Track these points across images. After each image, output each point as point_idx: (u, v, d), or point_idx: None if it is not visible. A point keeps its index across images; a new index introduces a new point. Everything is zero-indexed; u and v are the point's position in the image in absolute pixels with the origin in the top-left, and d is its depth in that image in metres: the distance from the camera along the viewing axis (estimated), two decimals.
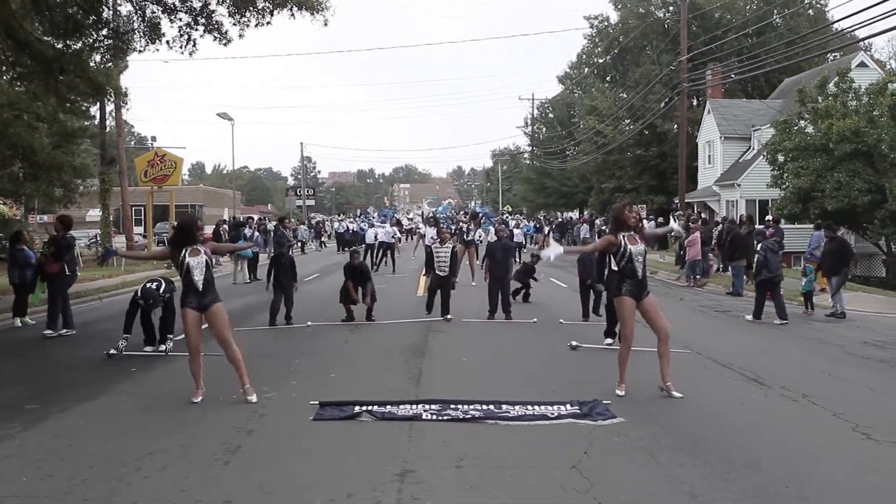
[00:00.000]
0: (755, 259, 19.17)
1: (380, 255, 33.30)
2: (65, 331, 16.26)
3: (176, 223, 10.97)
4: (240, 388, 9.95)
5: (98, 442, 8.23)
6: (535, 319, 17.45)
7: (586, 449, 7.80)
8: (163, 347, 13.94)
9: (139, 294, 13.95)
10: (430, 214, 44.34)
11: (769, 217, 31.61)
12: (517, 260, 24.43)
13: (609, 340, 14.28)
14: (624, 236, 10.24)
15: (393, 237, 34.31)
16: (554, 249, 10.39)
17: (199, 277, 9.86)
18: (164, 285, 14.05)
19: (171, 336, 13.95)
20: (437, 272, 18.09)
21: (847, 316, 18.92)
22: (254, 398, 9.81)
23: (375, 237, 34.07)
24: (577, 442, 8.05)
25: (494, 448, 7.88)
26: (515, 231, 38.85)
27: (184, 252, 9.93)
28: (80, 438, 8.39)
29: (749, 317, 18.15)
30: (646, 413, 9.24)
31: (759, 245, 19.02)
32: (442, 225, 27.34)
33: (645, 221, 45.92)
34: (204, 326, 10.03)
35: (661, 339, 10.20)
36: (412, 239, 47.80)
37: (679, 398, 9.89)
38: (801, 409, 9.65)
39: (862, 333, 16.54)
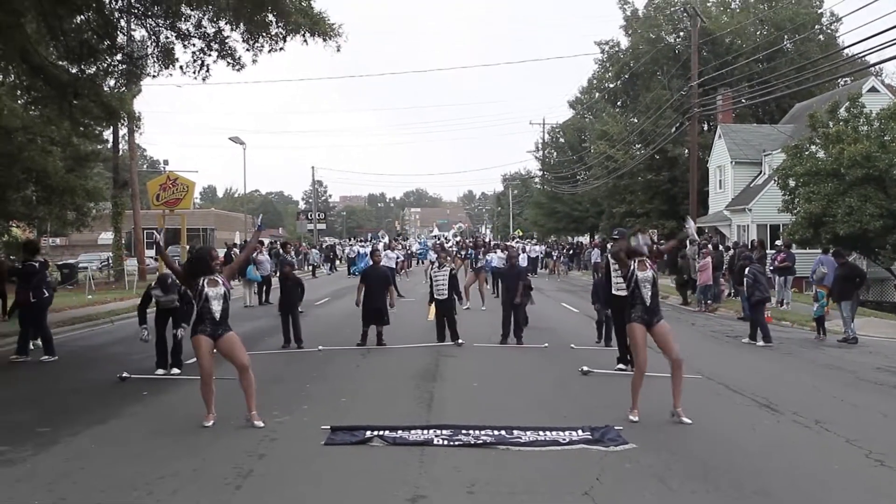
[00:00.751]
0: (744, 282, 19.15)
1: None
2: (14, 356, 16.23)
3: (189, 255, 11.02)
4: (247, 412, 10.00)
5: (109, 465, 8.24)
6: (547, 344, 17.40)
7: (598, 475, 7.78)
8: (175, 371, 14.02)
9: (154, 284, 14.15)
10: (438, 240, 44.45)
11: (779, 242, 31.55)
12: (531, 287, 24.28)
13: (622, 366, 14.23)
14: (635, 261, 10.26)
15: (396, 262, 34.17)
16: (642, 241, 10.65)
17: (217, 308, 9.91)
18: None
19: (185, 325, 13.95)
20: (436, 297, 18.06)
21: (859, 341, 18.87)
22: (260, 423, 9.83)
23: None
24: (589, 468, 8.03)
25: (506, 474, 7.87)
26: (521, 256, 38.87)
27: (202, 281, 9.96)
28: (91, 462, 8.40)
29: (761, 342, 18.07)
30: (657, 439, 9.21)
31: (747, 269, 19.04)
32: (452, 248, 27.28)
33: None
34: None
35: (672, 365, 10.19)
36: (422, 264, 47.72)
37: (689, 424, 9.85)
38: (814, 435, 9.62)
39: (874, 359, 16.49)
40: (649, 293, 10.15)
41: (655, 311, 10.22)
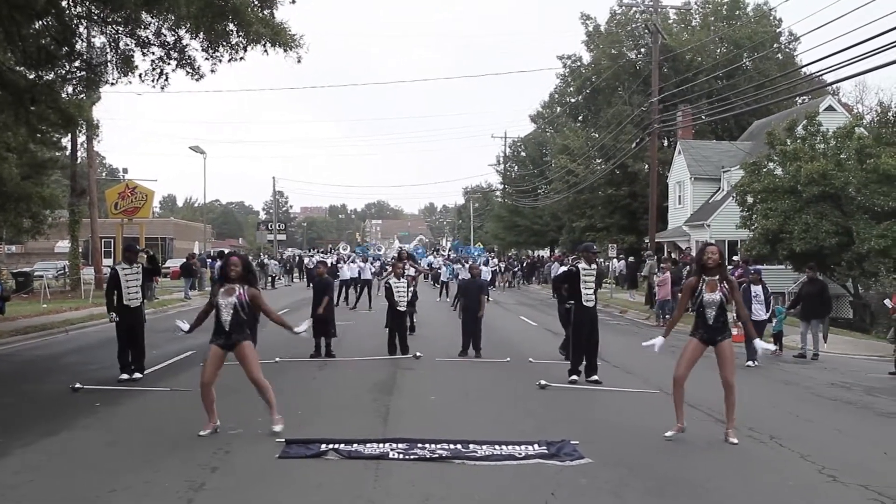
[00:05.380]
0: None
1: (359, 292, 32.98)
2: None
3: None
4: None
5: (61, 478, 8.12)
6: (509, 359, 17.31)
7: (553, 490, 7.76)
8: (137, 375, 14.28)
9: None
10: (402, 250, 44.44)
11: (736, 257, 31.82)
12: (489, 298, 24.28)
13: (574, 377, 14.29)
14: (704, 282, 10.12)
15: (371, 273, 34.03)
16: (658, 342, 10.61)
17: (226, 317, 10.01)
18: None
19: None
20: (396, 308, 17.93)
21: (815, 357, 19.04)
22: (278, 427, 9.94)
23: (360, 273, 33.46)
24: (545, 483, 8.00)
25: (461, 488, 7.83)
26: (483, 268, 38.90)
27: (220, 289, 10.17)
28: (41, 474, 8.25)
29: (750, 362, 17.73)
30: (614, 454, 9.20)
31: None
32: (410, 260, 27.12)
33: (616, 261, 46.04)
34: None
35: (724, 387, 10.12)
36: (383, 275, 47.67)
37: (734, 444, 9.81)
38: (769, 450, 9.67)
39: (830, 375, 16.65)
40: (713, 314, 10.04)
41: (720, 330, 10.10)
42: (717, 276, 10.10)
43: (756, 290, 18.66)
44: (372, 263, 36.92)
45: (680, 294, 11.17)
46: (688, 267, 30.21)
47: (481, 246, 76.49)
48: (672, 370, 10.32)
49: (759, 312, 18.40)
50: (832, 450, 9.71)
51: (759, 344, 11.57)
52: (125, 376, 14.16)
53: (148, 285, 15.44)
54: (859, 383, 15.61)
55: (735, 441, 9.86)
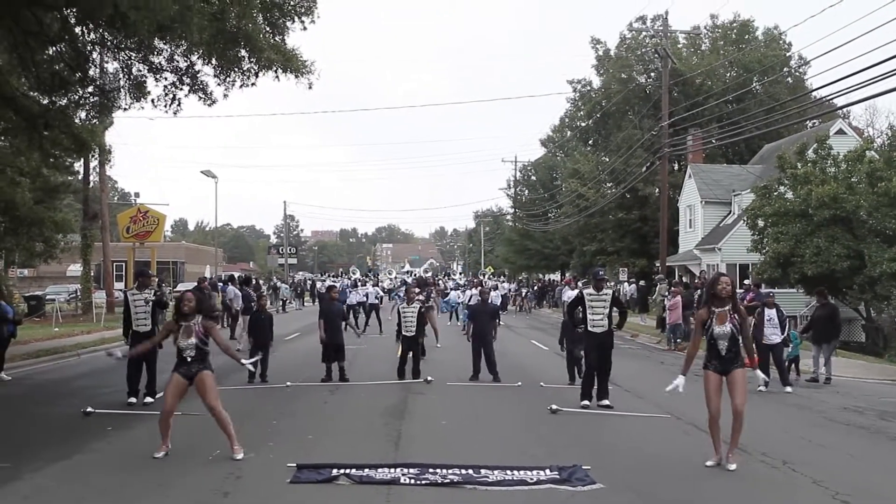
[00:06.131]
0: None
1: (367, 316, 32.93)
2: None
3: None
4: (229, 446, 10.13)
5: (72, 503, 8.11)
6: (520, 383, 17.25)
7: None
8: (149, 400, 14.23)
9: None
10: (413, 275, 44.46)
11: (748, 281, 31.73)
12: (500, 322, 24.22)
13: (585, 402, 14.24)
14: (714, 314, 10.02)
15: (376, 297, 34.03)
16: (680, 382, 10.22)
17: (189, 354, 10.26)
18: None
19: None
20: (404, 333, 18.01)
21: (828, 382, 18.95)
22: (239, 455, 9.90)
23: (367, 297, 33.51)
24: None
25: None
26: (493, 293, 38.84)
27: (181, 328, 10.33)
28: (53, 499, 8.27)
29: (762, 387, 17.52)
30: (625, 479, 9.17)
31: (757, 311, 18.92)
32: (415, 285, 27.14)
33: (627, 285, 45.91)
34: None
35: (733, 414, 10.05)
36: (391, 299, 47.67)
37: (732, 470, 9.67)
38: (782, 476, 9.62)
39: (842, 399, 16.56)
40: (724, 346, 9.93)
41: (732, 360, 9.98)
42: (728, 307, 10.03)
43: (770, 313, 18.55)
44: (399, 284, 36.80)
45: (692, 318, 11.15)
46: (698, 292, 30.17)
47: (491, 270, 76.44)
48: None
49: (772, 336, 18.30)
50: (845, 475, 9.65)
51: (757, 374, 11.58)
52: (133, 400, 14.19)
53: (158, 310, 15.43)
54: (872, 408, 15.52)
55: (732, 467, 9.73)
